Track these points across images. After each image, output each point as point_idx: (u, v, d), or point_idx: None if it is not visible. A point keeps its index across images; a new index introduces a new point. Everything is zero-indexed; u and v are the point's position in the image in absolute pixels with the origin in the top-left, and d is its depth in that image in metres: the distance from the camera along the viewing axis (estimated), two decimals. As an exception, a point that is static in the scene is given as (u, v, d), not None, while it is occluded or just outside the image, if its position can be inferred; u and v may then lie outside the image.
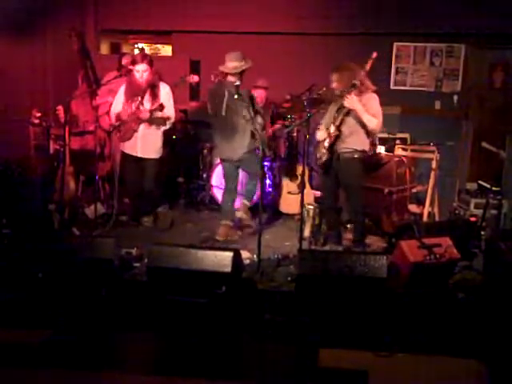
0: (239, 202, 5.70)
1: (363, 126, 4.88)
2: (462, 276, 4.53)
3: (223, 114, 5.27)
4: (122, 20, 7.39)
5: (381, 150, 5.70)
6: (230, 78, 5.26)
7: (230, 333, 3.74)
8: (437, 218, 5.65)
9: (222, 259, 3.96)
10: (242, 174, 5.82)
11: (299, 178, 6.22)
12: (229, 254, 3.99)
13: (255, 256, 4.73)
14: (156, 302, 3.96)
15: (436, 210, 5.65)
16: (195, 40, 7.28)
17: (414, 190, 5.68)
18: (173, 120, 5.60)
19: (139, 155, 5.54)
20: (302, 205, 4.75)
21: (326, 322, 3.74)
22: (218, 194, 6.49)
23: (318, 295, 3.89)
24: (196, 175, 6.84)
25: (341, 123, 4.86)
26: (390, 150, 5.74)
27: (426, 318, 3.84)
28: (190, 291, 3.95)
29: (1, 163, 5.84)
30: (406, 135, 6.46)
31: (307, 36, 6.98)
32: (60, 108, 5.62)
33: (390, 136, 6.24)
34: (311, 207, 5.39)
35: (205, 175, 6.70)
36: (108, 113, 5.70)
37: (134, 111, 5.39)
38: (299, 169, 6.16)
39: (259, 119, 5.42)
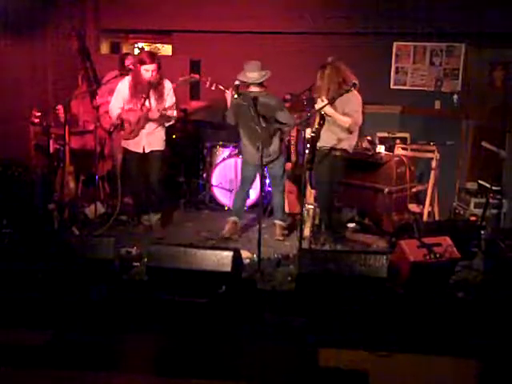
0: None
1: (337, 124, 4.91)
2: (461, 276, 4.54)
3: (250, 123, 5.27)
4: (122, 20, 7.39)
5: (381, 149, 5.70)
6: (253, 88, 5.35)
7: (230, 333, 3.74)
8: (437, 218, 5.65)
9: (221, 259, 3.97)
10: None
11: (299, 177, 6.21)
12: (229, 254, 3.99)
13: (255, 256, 4.73)
14: (156, 301, 3.96)
15: (436, 209, 5.65)
16: (195, 40, 7.28)
17: (413, 190, 5.68)
18: (176, 116, 5.66)
19: (146, 151, 5.54)
20: (302, 205, 4.75)
21: (326, 321, 3.74)
22: (218, 194, 6.50)
23: (317, 295, 3.89)
24: (196, 175, 6.84)
25: (320, 123, 4.85)
26: (389, 149, 5.73)
27: (426, 317, 3.84)
28: (189, 291, 3.95)
29: (1, 163, 5.83)
30: (406, 135, 6.45)
31: (307, 36, 6.98)
32: (60, 107, 5.61)
33: (390, 135, 6.23)
34: (311, 207, 5.38)
35: (205, 175, 6.70)
36: (108, 112, 5.70)
37: (143, 111, 5.39)
38: (299, 168, 6.15)
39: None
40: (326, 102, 4.78)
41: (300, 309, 3.88)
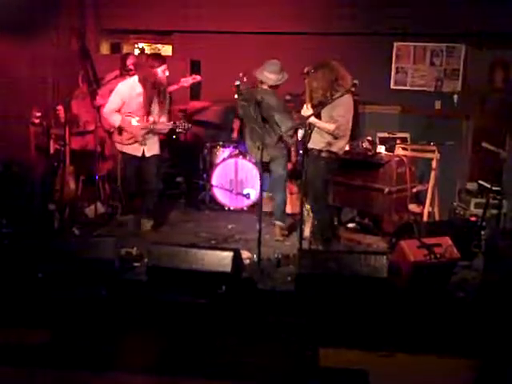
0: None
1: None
2: (461, 276, 4.54)
3: (251, 123, 5.44)
4: (122, 20, 7.39)
5: (381, 149, 5.70)
6: (263, 86, 5.40)
7: (230, 333, 3.73)
8: (437, 218, 5.64)
9: (222, 259, 3.97)
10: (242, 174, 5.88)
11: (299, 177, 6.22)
12: (229, 254, 3.99)
13: (255, 256, 4.73)
14: (156, 301, 3.96)
15: (436, 209, 5.65)
16: (195, 40, 7.27)
17: (414, 190, 5.67)
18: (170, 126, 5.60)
19: (147, 154, 5.52)
20: (302, 205, 4.75)
21: (326, 321, 3.74)
22: (218, 194, 6.50)
23: (317, 295, 3.89)
24: (196, 175, 6.85)
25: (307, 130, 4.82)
26: (390, 149, 5.73)
27: (426, 318, 3.84)
28: (190, 291, 3.95)
29: (1, 163, 5.83)
30: (406, 135, 6.45)
31: (308, 36, 6.98)
32: (60, 108, 5.62)
33: (390, 136, 6.23)
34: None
35: (205, 175, 6.70)
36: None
37: (149, 120, 5.39)
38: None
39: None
40: (310, 110, 4.78)
41: (300, 309, 3.88)
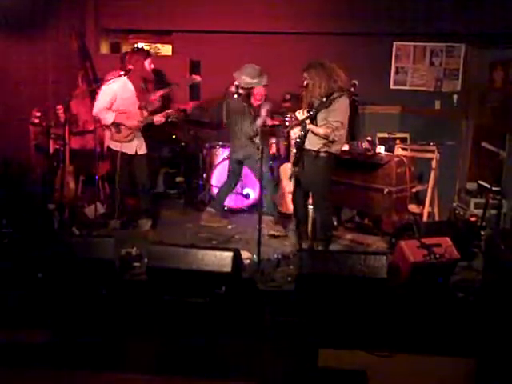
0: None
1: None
2: (461, 276, 4.54)
3: (233, 119, 5.74)
4: (122, 19, 7.38)
5: (381, 149, 5.70)
6: (232, 89, 5.59)
7: (230, 333, 3.74)
8: (437, 218, 5.65)
9: (221, 259, 3.96)
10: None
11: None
12: (229, 254, 3.99)
13: (255, 256, 4.73)
14: (156, 302, 3.96)
15: (436, 209, 5.65)
16: (195, 40, 7.27)
17: (413, 190, 5.68)
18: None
19: (139, 152, 5.58)
20: (303, 205, 4.76)
21: (326, 321, 3.74)
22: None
23: (317, 295, 3.89)
24: (196, 175, 6.84)
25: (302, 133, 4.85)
26: (389, 149, 5.74)
27: (426, 318, 3.85)
28: (189, 291, 3.95)
29: (1, 163, 5.83)
30: (406, 135, 6.46)
31: (308, 36, 6.98)
32: (60, 108, 5.62)
33: (390, 136, 6.24)
34: (311, 207, 5.38)
35: (205, 175, 6.70)
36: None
37: (144, 115, 5.47)
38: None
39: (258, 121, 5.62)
40: (305, 115, 4.77)
41: (300, 309, 3.88)
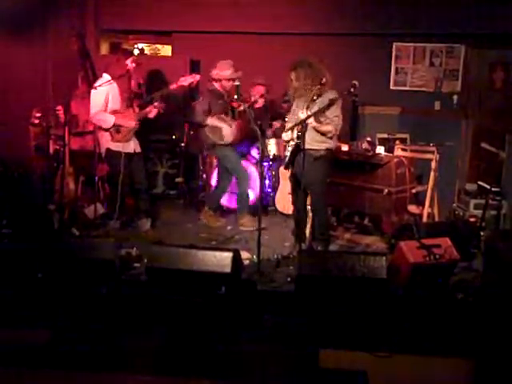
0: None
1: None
2: (461, 277, 4.54)
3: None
4: (122, 20, 7.39)
5: (380, 150, 5.70)
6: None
7: (230, 333, 3.74)
8: (436, 219, 5.65)
9: (221, 259, 3.96)
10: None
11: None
12: (228, 255, 3.99)
13: (255, 256, 4.73)
14: (156, 302, 3.96)
15: (436, 210, 5.65)
16: (195, 40, 7.28)
17: (413, 191, 5.68)
18: None
19: (137, 151, 5.61)
20: (302, 206, 4.75)
21: (326, 322, 3.75)
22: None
23: (317, 296, 3.89)
24: (196, 175, 6.84)
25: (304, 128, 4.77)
26: (389, 150, 5.74)
27: (426, 318, 3.85)
28: (189, 292, 3.95)
29: (1, 163, 5.83)
30: (406, 135, 6.46)
31: (308, 36, 6.98)
32: (60, 108, 5.62)
33: (390, 136, 6.24)
34: (309, 207, 5.38)
35: (205, 175, 6.70)
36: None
37: (140, 112, 5.49)
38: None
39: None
40: (307, 113, 4.71)
41: (300, 310, 3.88)
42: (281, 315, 3.87)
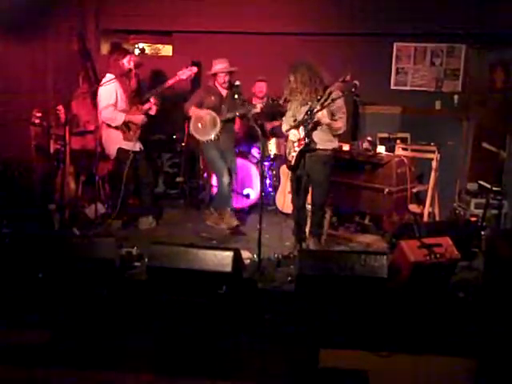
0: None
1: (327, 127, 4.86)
2: (462, 276, 4.54)
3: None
4: (122, 20, 7.39)
5: (381, 149, 5.70)
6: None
7: (231, 333, 3.74)
8: (437, 218, 5.65)
9: (222, 259, 3.96)
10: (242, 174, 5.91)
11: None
12: (229, 254, 3.98)
13: (255, 256, 4.73)
14: (156, 301, 3.96)
15: (436, 209, 5.65)
16: (195, 40, 7.28)
17: (414, 190, 5.68)
18: None
19: (142, 148, 5.70)
20: (303, 205, 4.75)
21: (327, 321, 3.74)
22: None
23: (318, 295, 3.89)
24: (196, 175, 6.84)
25: (312, 128, 4.77)
26: (390, 149, 5.74)
27: (426, 317, 3.84)
28: (190, 291, 3.95)
29: (1, 163, 5.83)
30: (407, 135, 6.46)
31: (308, 36, 6.98)
32: (61, 108, 5.61)
33: (391, 136, 6.23)
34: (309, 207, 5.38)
35: (205, 175, 6.70)
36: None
37: (145, 109, 5.58)
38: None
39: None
40: (322, 112, 4.68)
41: (300, 309, 3.88)
42: (281, 315, 3.86)
